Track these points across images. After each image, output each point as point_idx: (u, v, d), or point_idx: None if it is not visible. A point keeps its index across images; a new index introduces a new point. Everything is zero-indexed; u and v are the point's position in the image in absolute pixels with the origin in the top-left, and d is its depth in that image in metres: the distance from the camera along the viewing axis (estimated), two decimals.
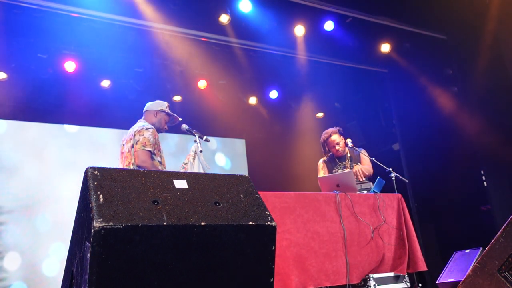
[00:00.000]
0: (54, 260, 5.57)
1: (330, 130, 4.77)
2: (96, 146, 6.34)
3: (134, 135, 3.88)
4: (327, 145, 4.77)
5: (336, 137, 4.71)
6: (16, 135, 5.94)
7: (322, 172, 4.79)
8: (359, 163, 4.70)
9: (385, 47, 6.53)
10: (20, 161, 5.82)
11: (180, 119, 4.25)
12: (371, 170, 4.70)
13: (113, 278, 1.52)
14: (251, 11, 5.63)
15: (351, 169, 4.65)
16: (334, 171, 4.73)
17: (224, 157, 7.52)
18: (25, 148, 5.91)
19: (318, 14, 5.92)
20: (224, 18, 5.59)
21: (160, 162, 3.94)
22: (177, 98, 6.70)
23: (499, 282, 1.47)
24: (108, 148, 6.27)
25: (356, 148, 4.75)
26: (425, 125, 6.43)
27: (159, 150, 3.98)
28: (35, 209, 5.71)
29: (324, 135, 4.80)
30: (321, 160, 4.88)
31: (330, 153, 4.85)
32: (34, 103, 6.02)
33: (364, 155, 4.72)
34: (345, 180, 4.03)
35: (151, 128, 3.92)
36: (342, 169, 4.69)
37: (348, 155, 4.78)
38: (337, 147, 4.70)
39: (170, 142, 6.84)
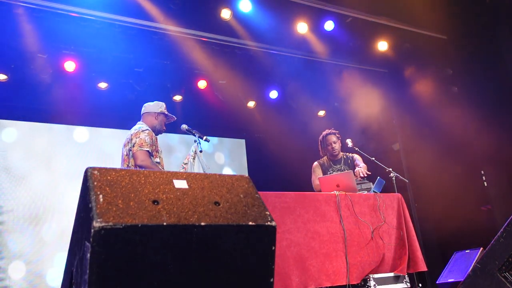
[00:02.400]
0: (59, 270, 5.51)
1: (328, 130, 5.07)
2: (105, 155, 6.27)
3: (131, 138, 3.92)
4: (324, 142, 5.01)
5: (333, 138, 4.96)
6: (25, 142, 5.89)
7: (316, 174, 4.87)
8: (357, 167, 4.79)
9: (385, 47, 6.53)
10: (27, 169, 5.78)
11: (175, 118, 4.29)
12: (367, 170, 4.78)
13: (113, 278, 1.52)
14: (251, 11, 5.63)
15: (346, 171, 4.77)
16: (328, 173, 4.80)
17: (224, 157, 7.51)
18: (33, 156, 5.87)
19: (318, 14, 5.92)
20: (226, 14, 5.56)
21: (158, 163, 3.95)
22: (177, 97, 6.69)
23: (499, 282, 1.47)
24: (117, 157, 6.22)
25: (351, 153, 4.87)
26: (425, 125, 6.43)
27: (157, 151, 4.00)
28: (42, 218, 5.68)
29: (322, 133, 5.08)
30: (315, 163, 5.03)
31: (326, 155, 5.02)
32: (34, 103, 6.02)
33: (357, 159, 4.84)
34: (345, 180, 4.04)
35: (147, 129, 3.97)
36: (337, 172, 4.82)
37: (343, 159, 4.90)
38: (334, 145, 4.92)
39: (170, 142, 6.84)
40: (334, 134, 4.99)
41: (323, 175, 4.80)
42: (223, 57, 6.28)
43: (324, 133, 5.06)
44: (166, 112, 4.22)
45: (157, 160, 3.95)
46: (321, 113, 7.79)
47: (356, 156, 4.92)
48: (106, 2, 5.12)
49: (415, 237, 4.06)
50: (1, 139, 5.80)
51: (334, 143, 4.92)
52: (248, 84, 7.05)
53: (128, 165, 3.88)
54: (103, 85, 6.14)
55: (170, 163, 6.33)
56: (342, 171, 4.76)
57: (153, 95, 5.00)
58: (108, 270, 1.51)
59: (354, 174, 4.44)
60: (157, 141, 4.05)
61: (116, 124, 6.45)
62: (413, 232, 4.10)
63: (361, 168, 4.58)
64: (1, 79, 5.60)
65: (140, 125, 4.04)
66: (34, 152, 5.91)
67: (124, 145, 4.01)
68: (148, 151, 3.82)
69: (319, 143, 5.09)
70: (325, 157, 5.01)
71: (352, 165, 4.88)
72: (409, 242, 4.01)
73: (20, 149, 5.85)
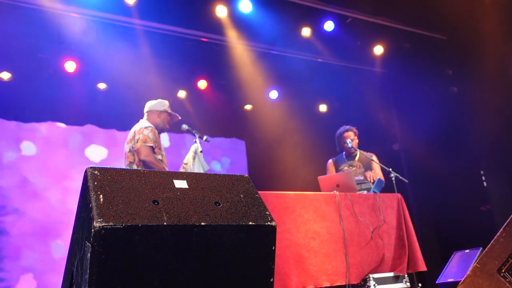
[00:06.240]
0: None
1: (348, 127, 5.01)
2: (105, 155, 6.25)
3: (134, 135, 3.95)
4: (341, 139, 4.96)
5: (351, 134, 4.92)
6: (38, 156, 5.86)
7: (329, 173, 4.91)
8: (369, 170, 4.80)
9: (385, 47, 6.53)
10: (39, 183, 5.75)
11: (179, 118, 4.30)
12: (383, 179, 4.71)
13: (113, 278, 1.52)
14: (251, 11, 5.64)
15: (358, 168, 4.78)
16: (340, 168, 4.84)
17: (224, 157, 7.51)
18: (47, 172, 5.84)
19: (318, 14, 5.93)
20: (221, 12, 5.54)
21: (161, 160, 3.97)
22: (181, 94, 6.67)
23: (498, 282, 1.47)
24: (115, 157, 6.20)
25: (366, 154, 4.82)
26: (425, 125, 6.43)
27: (160, 148, 4.03)
28: (53, 234, 5.63)
29: (341, 129, 5.03)
30: (330, 161, 5.05)
31: (342, 151, 5.00)
32: (34, 103, 6.01)
33: (375, 162, 4.81)
34: (345, 180, 4.05)
35: (150, 126, 4.00)
36: (349, 167, 4.83)
37: (358, 155, 4.88)
38: (351, 143, 4.86)
39: (170, 142, 6.84)
40: (352, 130, 4.95)
41: (337, 171, 4.85)
42: (223, 57, 6.28)
43: (342, 129, 5.00)
44: (170, 111, 4.22)
45: (159, 157, 3.98)
46: (323, 108, 7.73)
47: (375, 158, 4.85)
48: (106, 2, 5.13)
49: (415, 237, 4.06)
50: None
51: (352, 140, 4.87)
52: (248, 84, 7.05)
53: (130, 162, 3.91)
54: (106, 83, 6.15)
55: (170, 163, 6.31)
56: (355, 166, 4.80)
57: (154, 96, 5.01)
58: (108, 270, 1.51)
59: (365, 176, 4.52)
60: (159, 138, 4.08)
61: (116, 124, 6.45)
62: (413, 232, 4.10)
63: (372, 173, 4.63)
64: (6, 78, 5.59)
65: (143, 122, 4.08)
66: (47, 169, 5.83)
67: (127, 142, 4.04)
68: (151, 146, 3.87)
69: (336, 138, 5.04)
70: (340, 154, 5.03)
71: (367, 163, 4.86)
72: (409, 242, 4.01)
73: (37, 165, 5.79)
